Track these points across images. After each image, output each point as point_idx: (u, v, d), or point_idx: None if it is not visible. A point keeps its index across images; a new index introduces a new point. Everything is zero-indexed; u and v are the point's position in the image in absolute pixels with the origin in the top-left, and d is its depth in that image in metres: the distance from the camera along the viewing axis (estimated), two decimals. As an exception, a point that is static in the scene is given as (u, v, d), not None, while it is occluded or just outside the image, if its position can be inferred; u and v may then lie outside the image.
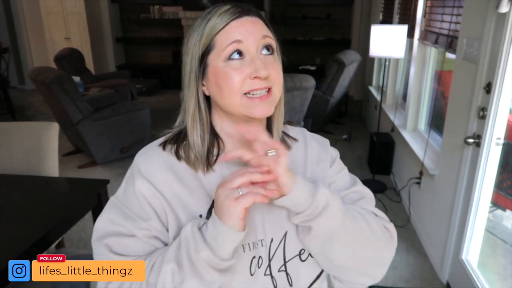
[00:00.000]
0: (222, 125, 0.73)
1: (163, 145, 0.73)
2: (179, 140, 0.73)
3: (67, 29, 6.43)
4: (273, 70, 0.66)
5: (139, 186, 0.68)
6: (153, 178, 0.69)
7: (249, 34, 0.65)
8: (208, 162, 0.70)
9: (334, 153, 0.85)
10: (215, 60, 0.66)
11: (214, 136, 0.72)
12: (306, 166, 0.79)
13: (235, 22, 0.66)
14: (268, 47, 0.67)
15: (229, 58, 0.65)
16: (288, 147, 0.77)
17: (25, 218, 1.31)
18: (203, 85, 0.69)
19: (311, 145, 0.82)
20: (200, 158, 0.70)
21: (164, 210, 0.68)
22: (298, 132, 0.84)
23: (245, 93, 0.65)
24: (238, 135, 0.72)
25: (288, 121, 0.84)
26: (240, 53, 0.65)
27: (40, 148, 1.75)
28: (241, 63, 0.65)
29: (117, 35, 6.94)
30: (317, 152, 0.81)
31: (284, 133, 0.80)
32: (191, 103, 0.70)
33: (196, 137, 0.70)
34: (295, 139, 0.80)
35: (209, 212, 0.67)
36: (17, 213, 1.35)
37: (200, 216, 0.68)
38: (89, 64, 5.99)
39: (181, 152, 0.71)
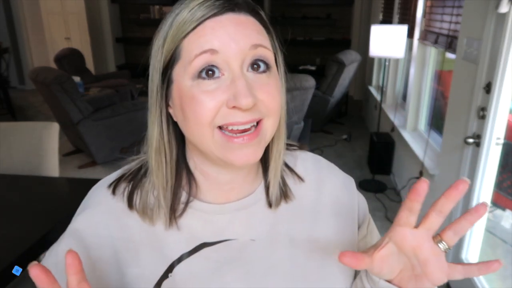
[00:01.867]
0: (195, 160, 0.53)
1: (115, 185, 0.54)
2: (136, 179, 0.54)
3: (67, 29, 6.43)
4: (265, 94, 0.45)
5: (65, 245, 0.52)
6: (87, 238, 0.51)
7: (230, 40, 0.44)
8: (173, 213, 0.51)
9: (363, 202, 0.62)
10: (180, 76, 0.46)
11: (187, 174, 0.53)
12: (317, 216, 0.57)
13: (212, 21, 0.44)
14: (259, 62, 0.46)
15: (199, 75, 0.44)
16: (289, 198, 0.56)
17: (25, 218, 1.31)
18: (170, 106, 0.49)
19: (330, 187, 0.59)
20: (161, 207, 0.51)
21: (89, 280, 0.45)
22: (310, 163, 0.61)
23: (219, 127, 0.45)
24: (215, 174, 0.52)
25: (300, 145, 0.63)
26: (213, 70, 0.44)
27: (40, 148, 1.74)
28: (217, 83, 0.44)
29: (117, 35, 6.94)
30: (337, 199, 0.59)
31: (288, 167, 0.59)
32: (154, 131, 0.50)
33: (161, 178, 0.50)
34: (300, 178, 0.58)
35: (157, 286, 0.51)
36: (17, 213, 1.35)
37: None
38: (89, 64, 5.98)
39: (136, 198, 0.52)
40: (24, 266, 1.10)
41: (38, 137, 1.75)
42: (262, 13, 0.49)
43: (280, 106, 0.48)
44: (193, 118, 0.45)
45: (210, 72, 0.44)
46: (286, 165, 0.59)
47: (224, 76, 0.45)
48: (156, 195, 0.51)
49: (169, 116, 0.50)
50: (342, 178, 0.62)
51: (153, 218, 0.51)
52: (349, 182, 0.62)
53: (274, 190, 0.54)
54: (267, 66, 0.46)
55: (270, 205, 0.55)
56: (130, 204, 0.52)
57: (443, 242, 0.42)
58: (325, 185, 0.59)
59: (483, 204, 0.41)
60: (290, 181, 0.58)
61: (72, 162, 3.68)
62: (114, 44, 6.86)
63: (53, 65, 4.92)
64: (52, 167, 1.76)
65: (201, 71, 0.44)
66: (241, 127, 0.45)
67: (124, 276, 0.51)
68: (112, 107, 3.49)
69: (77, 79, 4.00)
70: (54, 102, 3.32)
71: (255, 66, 0.46)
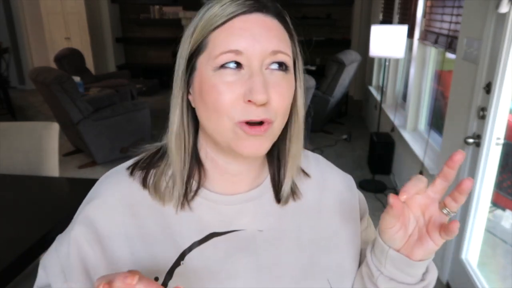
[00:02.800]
0: (207, 149, 0.55)
1: (133, 168, 0.57)
2: (152, 163, 0.56)
3: (67, 29, 6.43)
4: (277, 94, 0.48)
5: (76, 233, 0.53)
6: (99, 226, 0.53)
7: (254, 42, 0.47)
8: (185, 196, 0.53)
9: (362, 198, 0.66)
10: (204, 65, 0.48)
11: (196, 163, 0.55)
12: (322, 212, 0.59)
13: (240, 19, 0.47)
14: (277, 63, 0.48)
15: (221, 66, 0.47)
16: (297, 196, 0.58)
17: (25, 218, 1.31)
18: (190, 93, 0.52)
19: (332, 183, 0.62)
20: (176, 189, 0.53)
21: (100, 269, 0.52)
22: (311, 161, 0.63)
23: (240, 122, 0.48)
24: (224, 164, 0.55)
25: None
26: (235, 64, 0.47)
27: (40, 148, 1.74)
28: (237, 76, 0.47)
29: (117, 35, 6.94)
30: (340, 194, 0.62)
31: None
32: (175, 116, 0.52)
33: (179, 162, 0.53)
34: (306, 174, 0.61)
35: (169, 274, 0.52)
36: (17, 213, 1.35)
37: (156, 279, 0.52)
38: (89, 64, 5.99)
39: (150, 177, 0.55)
40: (24, 266, 1.11)
41: (38, 137, 1.75)
42: (288, 18, 0.53)
43: (288, 108, 0.51)
44: (213, 106, 0.48)
45: (232, 65, 0.47)
46: None
47: (244, 71, 0.47)
48: (171, 175, 0.54)
49: (188, 103, 0.53)
50: (342, 176, 0.65)
51: (165, 199, 0.53)
52: (349, 180, 0.65)
53: (287, 187, 0.57)
54: (286, 67, 0.49)
55: (279, 200, 0.57)
56: (144, 182, 0.55)
57: (446, 209, 0.47)
58: (327, 183, 0.62)
59: (469, 179, 0.46)
60: (297, 178, 0.60)
61: (72, 162, 3.68)
62: (114, 44, 6.86)
63: (53, 65, 4.92)
64: (52, 167, 1.76)
65: (225, 63, 0.47)
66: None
67: (136, 264, 0.52)
68: (112, 107, 3.49)
69: (77, 79, 4.00)
70: (54, 102, 3.32)
71: (273, 66, 0.48)
